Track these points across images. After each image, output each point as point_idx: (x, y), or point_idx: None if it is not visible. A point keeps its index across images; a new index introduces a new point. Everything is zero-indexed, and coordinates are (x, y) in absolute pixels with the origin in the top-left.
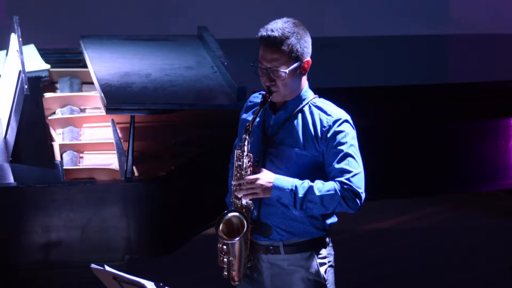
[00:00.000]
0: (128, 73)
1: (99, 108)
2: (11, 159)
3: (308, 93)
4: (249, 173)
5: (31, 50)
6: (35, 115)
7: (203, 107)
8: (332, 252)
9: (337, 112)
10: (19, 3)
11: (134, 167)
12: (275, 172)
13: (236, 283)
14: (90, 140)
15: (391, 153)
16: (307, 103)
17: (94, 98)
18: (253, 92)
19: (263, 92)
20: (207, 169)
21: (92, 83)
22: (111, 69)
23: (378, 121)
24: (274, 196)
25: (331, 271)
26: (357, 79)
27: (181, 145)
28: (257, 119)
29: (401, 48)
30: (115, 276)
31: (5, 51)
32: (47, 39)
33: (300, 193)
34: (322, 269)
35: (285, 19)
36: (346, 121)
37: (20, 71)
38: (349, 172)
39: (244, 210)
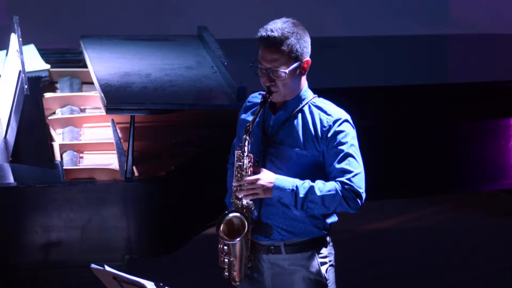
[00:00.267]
0: (128, 73)
1: (99, 108)
2: (11, 159)
3: (307, 93)
4: (249, 173)
5: (31, 50)
6: (35, 115)
7: (203, 107)
8: (333, 252)
9: (337, 111)
10: (19, 3)
11: (134, 167)
12: (275, 172)
13: (237, 283)
14: (90, 140)
15: (391, 153)
16: (307, 103)
17: (94, 98)
18: (253, 92)
19: (263, 92)
20: (207, 169)
21: (92, 83)
22: (111, 69)
23: (378, 121)
24: (275, 196)
25: (332, 271)
26: (357, 79)
27: (181, 145)
28: (257, 119)
29: (401, 48)
30: (115, 276)
31: (5, 51)
32: (47, 39)
33: (301, 193)
34: (323, 269)
35: (284, 19)
36: (346, 120)
37: (20, 71)
38: (350, 172)
39: (244, 210)
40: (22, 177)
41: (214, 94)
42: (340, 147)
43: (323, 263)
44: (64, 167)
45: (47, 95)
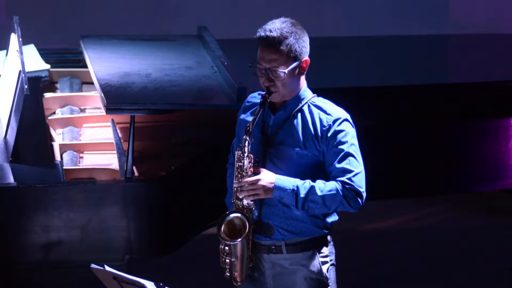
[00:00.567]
0: (128, 73)
1: (99, 108)
2: (11, 159)
3: (307, 93)
4: (250, 174)
5: (31, 50)
6: (35, 115)
7: (203, 107)
8: (334, 251)
9: (336, 111)
10: (19, 3)
11: (134, 167)
12: (276, 172)
13: (239, 283)
14: (90, 140)
15: (391, 153)
16: (306, 102)
17: (94, 98)
18: (252, 92)
19: (262, 92)
20: (207, 169)
21: (92, 83)
22: (111, 69)
23: (378, 121)
24: (275, 196)
25: (332, 270)
26: (357, 79)
27: (181, 145)
28: (256, 120)
29: (401, 48)
30: (115, 276)
31: (5, 51)
32: (47, 39)
33: (302, 193)
34: (324, 268)
35: (282, 19)
36: (346, 120)
37: (20, 71)
38: (350, 171)
39: (245, 210)
40: (22, 177)
41: (214, 94)
42: (340, 147)
43: (324, 262)
44: (64, 167)
45: (47, 95)
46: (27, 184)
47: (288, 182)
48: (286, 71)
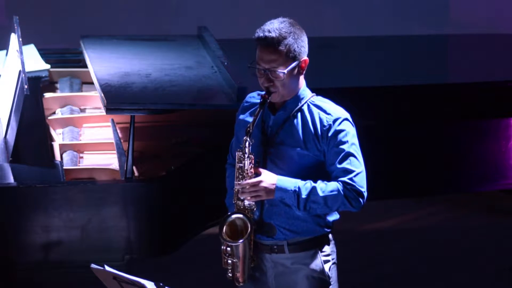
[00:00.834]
0: (128, 73)
1: (99, 108)
2: (11, 159)
3: (306, 92)
4: (250, 175)
5: (31, 50)
6: (35, 115)
7: (203, 107)
8: (335, 249)
9: (336, 110)
10: (19, 3)
11: (134, 167)
12: (276, 173)
13: (241, 284)
14: (90, 140)
15: (391, 153)
16: (306, 102)
17: (94, 98)
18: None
19: (260, 92)
20: (207, 169)
21: (92, 83)
22: (111, 69)
23: (378, 121)
24: (277, 197)
25: (334, 268)
26: (357, 79)
27: (181, 145)
28: (256, 120)
29: (401, 48)
30: (115, 276)
31: (5, 51)
32: (47, 39)
33: (304, 194)
34: (326, 267)
35: (281, 19)
36: (346, 119)
37: (20, 71)
38: (352, 171)
39: (246, 211)
40: (22, 177)
41: (214, 94)
42: (341, 147)
43: (326, 261)
44: (64, 167)
45: (47, 95)
46: (27, 184)
47: (290, 183)
48: (285, 71)
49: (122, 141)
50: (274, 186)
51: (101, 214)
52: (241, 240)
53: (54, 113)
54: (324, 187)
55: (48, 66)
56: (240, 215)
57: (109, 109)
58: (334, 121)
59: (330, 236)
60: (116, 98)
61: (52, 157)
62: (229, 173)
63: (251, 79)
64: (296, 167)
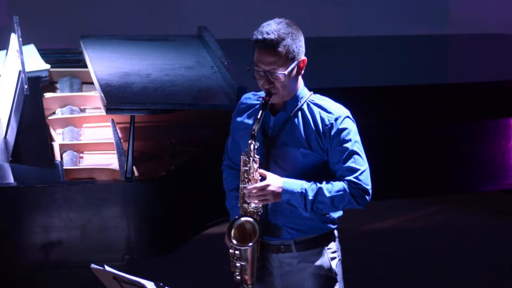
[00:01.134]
0: (128, 73)
1: (99, 108)
2: (11, 159)
3: (304, 91)
4: (256, 178)
5: (31, 50)
6: (35, 115)
7: (203, 107)
8: (340, 246)
9: (336, 108)
10: (19, 3)
11: (134, 167)
12: (280, 174)
13: (249, 286)
14: (90, 140)
15: (391, 153)
16: (305, 101)
17: (94, 98)
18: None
19: (256, 93)
20: (207, 169)
21: (92, 83)
22: (111, 69)
23: (378, 121)
24: (284, 199)
25: (340, 265)
26: (357, 79)
27: (181, 145)
28: (253, 121)
29: (401, 48)
30: (115, 276)
31: (5, 51)
32: (47, 39)
33: (310, 195)
34: (333, 263)
35: (277, 20)
36: (347, 117)
37: (20, 71)
38: (357, 170)
39: (253, 213)
40: (22, 177)
41: (214, 94)
42: (344, 145)
43: (332, 258)
44: (64, 167)
45: (47, 95)
46: (27, 184)
47: (296, 185)
48: (286, 72)
49: (122, 141)
50: (281, 189)
51: (101, 214)
52: (250, 244)
53: (54, 113)
54: (330, 187)
55: (48, 66)
56: (249, 219)
57: (109, 109)
58: (336, 119)
59: (336, 232)
60: (116, 98)
61: (52, 157)
62: (226, 175)
63: (251, 79)
64: (301, 167)
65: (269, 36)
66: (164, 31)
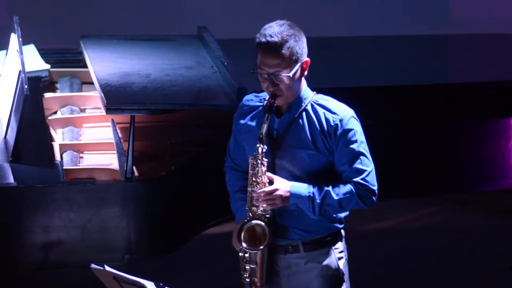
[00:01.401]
0: (128, 73)
1: (99, 108)
2: (11, 159)
3: (307, 92)
4: (264, 181)
5: (31, 50)
6: (35, 115)
7: (203, 107)
8: (346, 246)
9: (340, 109)
10: (19, 3)
11: (134, 167)
12: (287, 175)
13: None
14: (90, 140)
15: (391, 153)
16: (309, 101)
17: (94, 98)
18: (251, 92)
19: (258, 95)
20: (207, 169)
21: (92, 83)
22: (111, 69)
23: (378, 121)
24: (291, 203)
25: (346, 265)
26: (357, 79)
27: (181, 145)
28: (256, 123)
29: (401, 48)
30: (115, 276)
31: (5, 51)
32: (47, 39)
33: (318, 199)
34: (340, 263)
35: (279, 22)
36: (352, 117)
37: (20, 71)
38: (363, 171)
39: (261, 216)
40: (22, 177)
41: (214, 94)
42: (351, 146)
43: (340, 258)
44: (64, 167)
45: (47, 95)
46: (27, 184)
47: (303, 188)
48: (290, 74)
49: (122, 141)
50: (288, 193)
51: (101, 214)
52: (261, 247)
53: (54, 113)
54: (338, 190)
55: (48, 66)
56: (260, 222)
57: (109, 109)
58: (341, 120)
59: (343, 232)
60: (116, 98)
61: (52, 157)
62: (229, 176)
63: (251, 79)
64: (307, 169)
65: (273, 38)
66: (164, 31)
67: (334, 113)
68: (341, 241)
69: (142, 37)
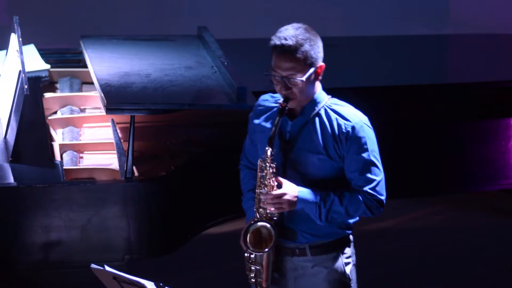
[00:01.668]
0: (128, 73)
1: (99, 108)
2: (11, 159)
3: (322, 96)
4: (272, 184)
5: (31, 50)
6: (35, 115)
7: (203, 107)
8: (355, 251)
9: (353, 115)
10: (19, 3)
11: (134, 167)
12: (297, 179)
13: None
14: (90, 140)
15: (391, 153)
16: (323, 106)
17: (94, 98)
18: (254, 92)
19: (274, 95)
20: (207, 169)
21: (92, 83)
22: (111, 69)
23: (377, 121)
24: (298, 208)
25: (354, 270)
26: (357, 79)
27: (181, 145)
28: (270, 124)
29: (401, 48)
30: (115, 276)
31: (5, 51)
32: (47, 39)
33: (325, 205)
34: (347, 269)
35: (295, 25)
36: (364, 124)
37: (20, 71)
38: (373, 181)
39: (269, 218)
40: (22, 177)
41: (214, 94)
42: (361, 155)
43: (347, 263)
44: (64, 167)
45: (47, 95)
46: (27, 184)
47: (311, 194)
48: (304, 78)
49: (122, 141)
50: (296, 198)
51: (101, 214)
52: (266, 250)
53: (54, 113)
54: (345, 198)
55: (48, 66)
56: (265, 224)
57: (109, 109)
58: (353, 127)
59: (351, 237)
60: (116, 98)
61: (52, 157)
62: (243, 175)
63: (251, 79)
64: (318, 173)
65: (287, 42)
66: (164, 31)
67: (346, 119)
68: (349, 246)
69: (142, 37)
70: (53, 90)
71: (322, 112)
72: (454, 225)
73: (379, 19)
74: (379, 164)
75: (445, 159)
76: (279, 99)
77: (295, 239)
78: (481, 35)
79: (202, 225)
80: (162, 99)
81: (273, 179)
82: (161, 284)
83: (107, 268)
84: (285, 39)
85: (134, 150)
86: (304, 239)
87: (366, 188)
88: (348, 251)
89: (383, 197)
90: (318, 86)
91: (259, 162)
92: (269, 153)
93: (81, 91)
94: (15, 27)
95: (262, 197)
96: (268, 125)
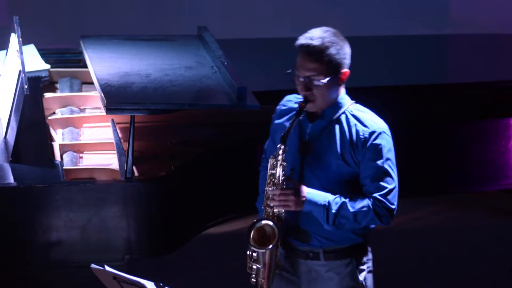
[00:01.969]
0: (128, 73)
1: (99, 108)
2: (11, 159)
3: (344, 100)
4: (282, 182)
5: (31, 50)
6: (35, 115)
7: (203, 107)
8: (371, 257)
9: (373, 122)
10: (19, 3)
11: (134, 167)
12: (314, 181)
13: None
14: (90, 140)
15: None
16: (344, 111)
17: (94, 98)
18: (287, 95)
19: (298, 96)
20: (207, 169)
21: (92, 83)
22: (111, 69)
23: None
24: (306, 210)
25: (370, 277)
26: (357, 79)
27: (181, 145)
28: (292, 128)
29: (401, 48)
30: (115, 276)
31: (5, 51)
32: (47, 39)
33: (333, 209)
34: (361, 276)
35: (325, 28)
36: (383, 132)
37: (20, 71)
38: (384, 188)
39: (275, 218)
40: (22, 177)
41: (214, 94)
42: (376, 162)
43: (361, 270)
44: (64, 167)
45: (47, 95)
46: (27, 184)
47: (320, 197)
48: (325, 81)
49: (122, 141)
50: (304, 199)
51: (101, 214)
52: (269, 247)
53: (54, 113)
54: (355, 203)
55: (48, 66)
56: (269, 222)
57: (109, 109)
58: (371, 134)
59: (367, 244)
60: (116, 98)
61: (52, 157)
62: (261, 176)
63: (251, 79)
64: (334, 177)
65: (313, 42)
66: (164, 31)
67: (365, 126)
68: (365, 253)
69: (142, 37)
70: (53, 90)
71: (343, 117)
72: (454, 225)
73: (379, 19)
74: (393, 174)
75: (445, 159)
76: (302, 101)
77: (308, 242)
78: (481, 35)
79: (202, 225)
80: (162, 99)
81: (283, 178)
82: (161, 284)
83: (107, 268)
84: (311, 39)
85: (134, 150)
86: (318, 243)
87: (376, 195)
88: (363, 257)
89: (393, 206)
90: (341, 91)
91: (270, 159)
92: (281, 151)
93: (81, 91)
94: (15, 27)
95: (270, 193)
96: (288, 125)
